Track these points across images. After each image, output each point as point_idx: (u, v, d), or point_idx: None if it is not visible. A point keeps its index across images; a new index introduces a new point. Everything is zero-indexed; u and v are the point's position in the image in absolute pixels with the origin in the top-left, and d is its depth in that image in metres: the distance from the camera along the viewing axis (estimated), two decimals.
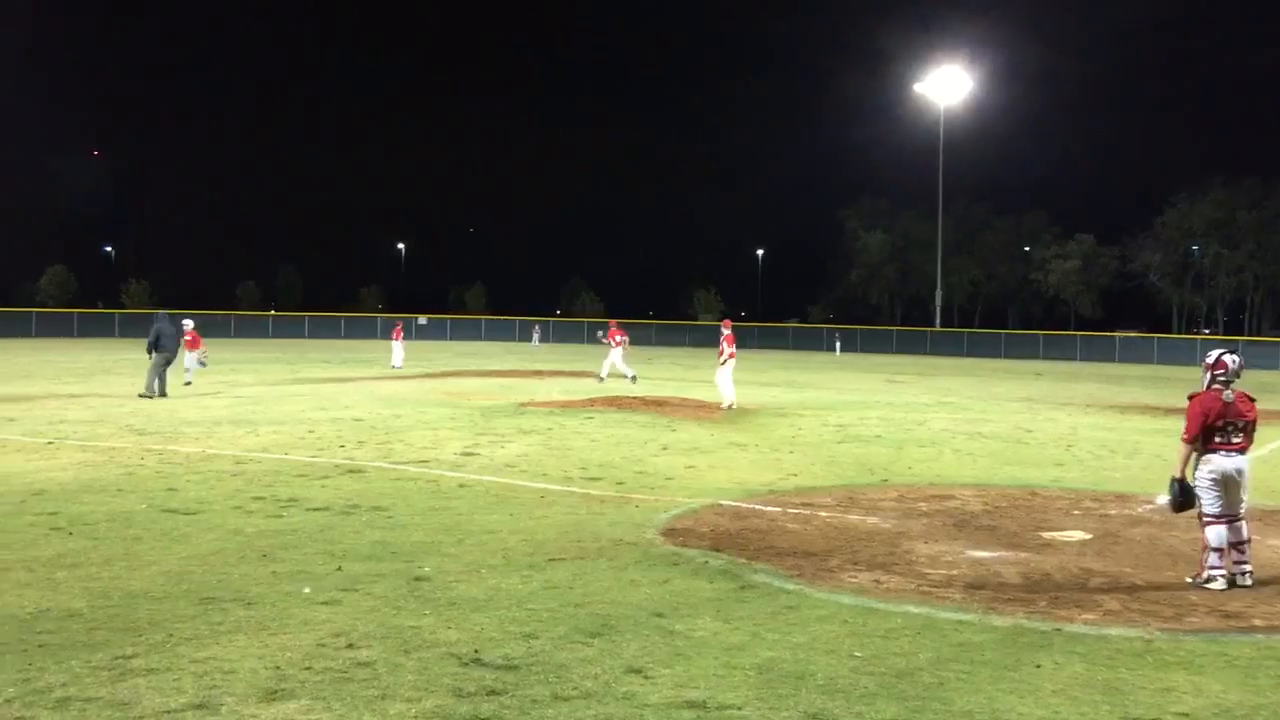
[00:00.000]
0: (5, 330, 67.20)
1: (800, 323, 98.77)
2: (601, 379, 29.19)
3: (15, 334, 64.80)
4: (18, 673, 5.27)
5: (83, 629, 6.03)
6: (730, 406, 21.44)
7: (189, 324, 26.78)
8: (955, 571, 7.88)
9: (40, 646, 5.69)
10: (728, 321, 23.85)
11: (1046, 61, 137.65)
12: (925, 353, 69.79)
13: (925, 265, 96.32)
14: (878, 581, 7.50)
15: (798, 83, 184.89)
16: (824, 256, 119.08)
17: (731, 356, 21.98)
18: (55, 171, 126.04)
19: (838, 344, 71.36)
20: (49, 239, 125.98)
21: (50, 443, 14.38)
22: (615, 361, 29.71)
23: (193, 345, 26.29)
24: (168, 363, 22.27)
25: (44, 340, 60.07)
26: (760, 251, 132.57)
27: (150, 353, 22.27)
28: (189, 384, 24.94)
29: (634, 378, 29.00)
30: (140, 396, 21.13)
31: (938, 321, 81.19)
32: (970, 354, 68.76)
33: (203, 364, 26.70)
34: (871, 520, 9.91)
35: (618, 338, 30.06)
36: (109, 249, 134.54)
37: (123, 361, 33.09)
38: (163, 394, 21.74)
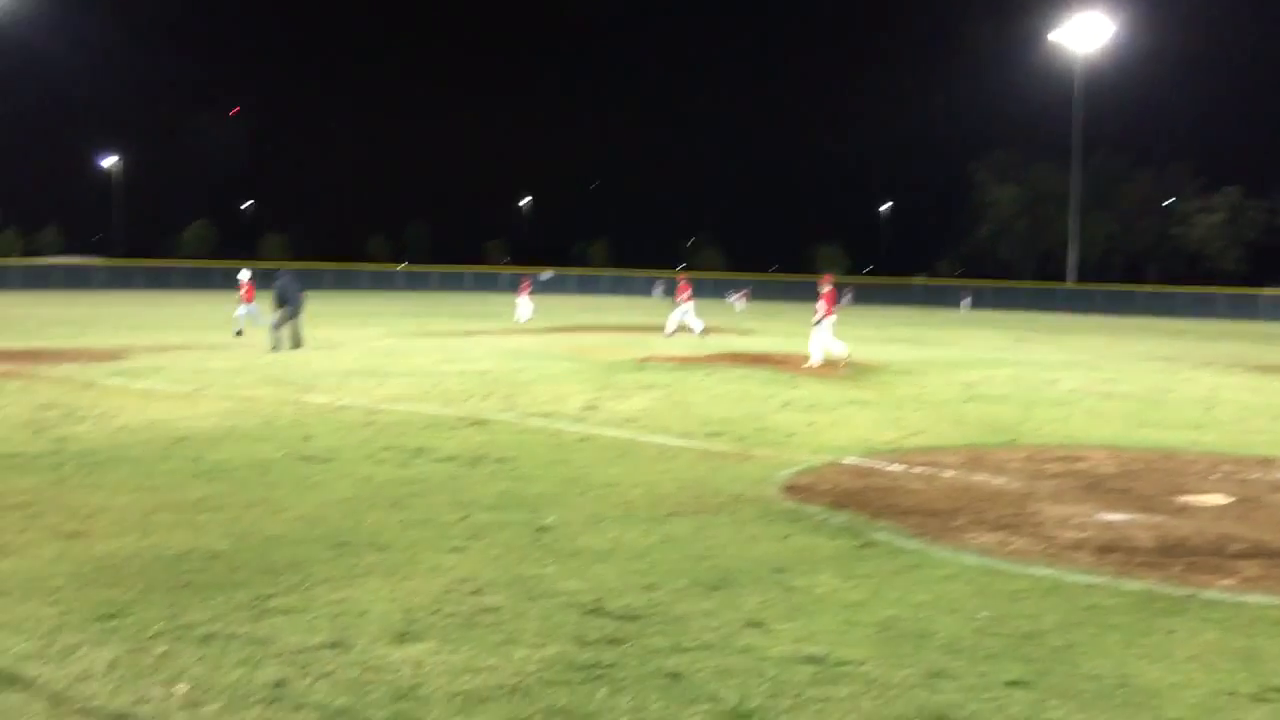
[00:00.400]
0: (153, 283, 70.21)
1: (927, 278, 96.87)
2: (698, 332, 29.47)
3: (161, 286, 67.64)
4: (165, 609, 5.55)
5: (225, 569, 6.31)
6: (812, 365, 20.50)
7: (245, 274, 27.76)
8: (1085, 534, 7.69)
9: (185, 585, 5.98)
10: (828, 277, 22.72)
11: (1194, 6, 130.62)
12: (1058, 309, 67.85)
13: (1058, 219, 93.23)
14: (1004, 542, 7.37)
15: (927, 32, 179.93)
16: (952, 210, 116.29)
17: (828, 314, 20.83)
18: (197, 129, 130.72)
19: (966, 300, 69.79)
20: (192, 195, 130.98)
21: (194, 391, 15.01)
22: (683, 315, 30.21)
23: (248, 298, 27.28)
24: (294, 315, 22.96)
25: (187, 292, 62.47)
26: (886, 205, 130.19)
27: (277, 308, 23.03)
28: (240, 333, 25.98)
29: (681, 330, 29.87)
30: (272, 351, 21.84)
31: (1071, 277, 78.69)
32: (1105, 311, 66.61)
33: (239, 331, 26.88)
34: (998, 480, 9.72)
35: (687, 292, 30.36)
36: (248, 204, 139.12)
37: (260, 314, 34.24)
38: (297, 344, 22.48)
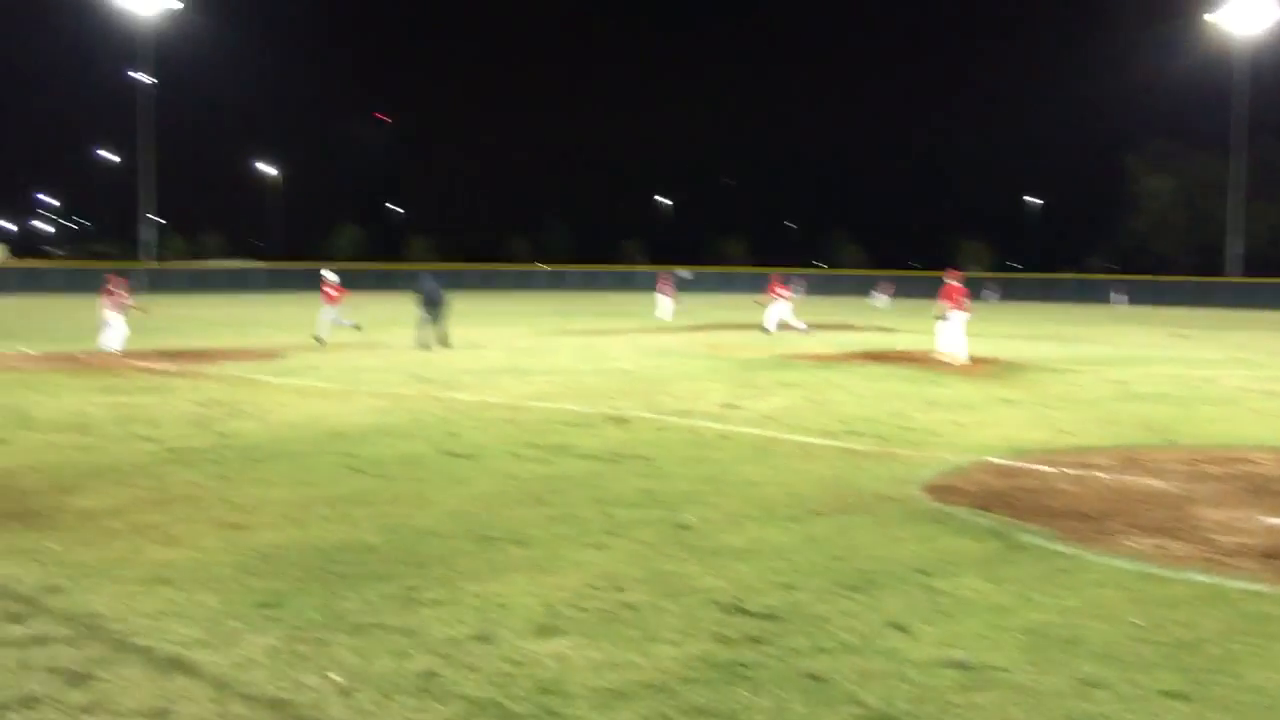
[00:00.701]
0: (308, 284, 72.85)
1: (1078, 273, 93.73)
2: (773, 328, 29.36)
3: (317, 288, 70.16)
4: (320, 599, 5.77)
5: (377, 562, 6.53)
6: (957, 362, 19.95)
7: (332, 276, 25.59)
8: (1249, 539, 7.34)
9: (340, 576, 6.20)
10: (952, 271, 22.13)
11: None
12: (1219, 305, 64.87)
13: (1219, 211, 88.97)
14: (1161, 547, 7.10)
15: (1075, 16, 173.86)
16: (1103, 203, 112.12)
17: (956, 310, 20.23)
18: (347, 135, 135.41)
19: (1120, 296, 67.26)
20: (342, 199, 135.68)
21: (347, 389, 15.54)
22: (782, 314, 29.99)
23: (333, 300, 25.13)
24: (440, 316, 23.56)
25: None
26: (1034, 198, 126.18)
27: (422, 309, 23.69)
28: (322, 339, 24.09)
29: (781, 327, 29.51)
30: (420, 348, 22.52)
31: (1234, 271, 75.11)
32: (1271, 307, 63.36)
33: (355, 324, 25.03)
34: (1154, 482, 9.35)
35: (779, 290, 30.11)
36: (395, 207, 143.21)
37: (406, 313, 35.19)
38: (444, 344, 23.08)
